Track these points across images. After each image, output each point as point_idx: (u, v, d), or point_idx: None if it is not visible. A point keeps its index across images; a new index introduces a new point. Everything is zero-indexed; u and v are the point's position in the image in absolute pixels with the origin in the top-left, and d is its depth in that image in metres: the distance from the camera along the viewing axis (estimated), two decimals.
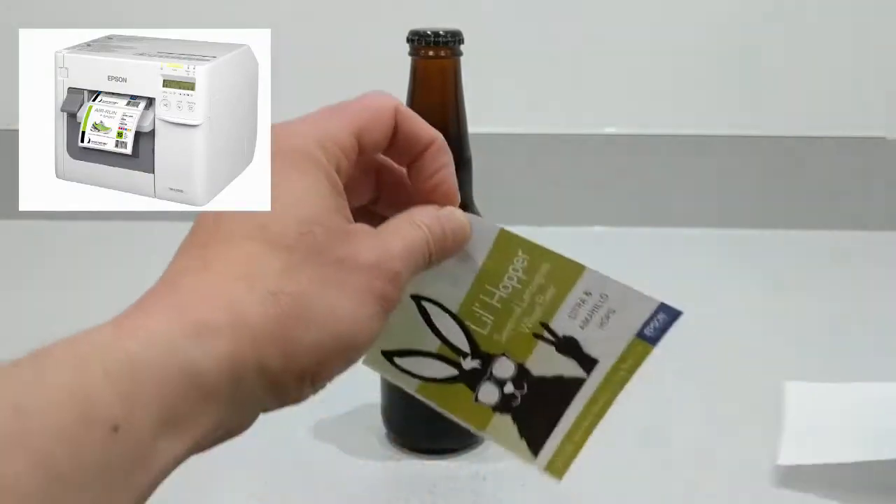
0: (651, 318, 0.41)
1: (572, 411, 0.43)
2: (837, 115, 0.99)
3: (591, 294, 0.41)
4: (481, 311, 0.42)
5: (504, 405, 0.43)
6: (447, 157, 0.37)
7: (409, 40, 0.53)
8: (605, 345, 0.42)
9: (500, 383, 0.43)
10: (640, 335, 0.42)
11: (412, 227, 0.34)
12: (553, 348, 0.42)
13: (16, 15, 0.99)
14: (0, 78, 0.89)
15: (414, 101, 0.55)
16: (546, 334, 0.42)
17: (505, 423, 0.43)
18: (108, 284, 0.82)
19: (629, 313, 0.42)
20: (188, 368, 0.25)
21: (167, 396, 0.25)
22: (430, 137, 0.36)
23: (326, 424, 0.58)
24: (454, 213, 0.36)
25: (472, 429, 0.43)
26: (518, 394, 0.43)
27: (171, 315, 0.26)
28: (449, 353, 0.43)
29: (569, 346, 0.42)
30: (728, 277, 0.88)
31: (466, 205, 0.57)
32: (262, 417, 0.64)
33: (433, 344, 0.42)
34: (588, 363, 0.42)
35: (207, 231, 0.30)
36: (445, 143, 0.36)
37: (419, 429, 0.56)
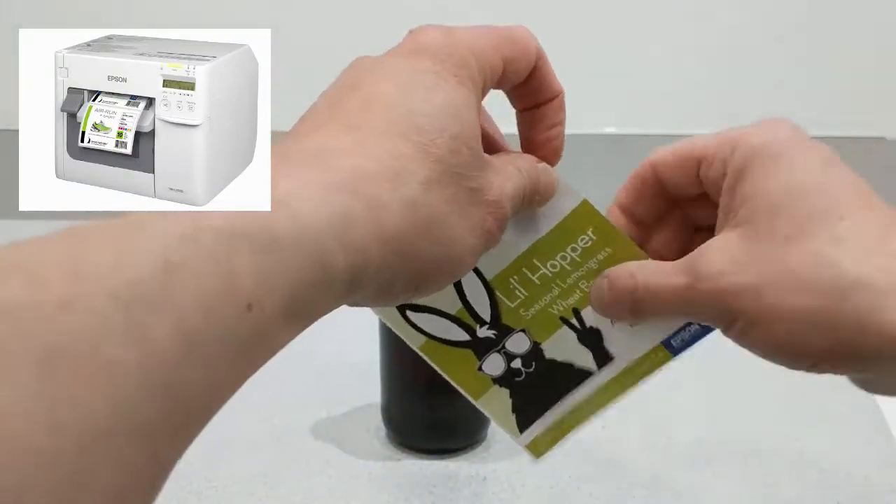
0: (683, 329, 0.41)
1: (570, 400, 0.42)
2: (837, 115, 0.99)
3: None
4: (517, 285, 0.41)
5: (506, 379, 0.42)
6: (564, 115, 0.37)
7: None
8: (627, 344, 0.41)
9: (510, 357, 0.42)
10: (665, 342, 0.41)
11: (518, 172, 0.34)
12: (575, 336, 0.41)
13: (16, 15, 0.99)
14: (0, 78, 0.89)
15: None
16: (573, 321, 0.41)
17: (502, 395, 0.42)
18: None
19: (666, 319, 0.40)
20: (320, 259, 0.25)
21: (296, 285, 0.25)
22: (558, 90, 0.37)
23: (326, 424, 0.59)
24: (550, 169, 0.37)
25: (466, 394, 0.42)
26: (524, 371, 0.42)
27: (316, 197, 0.26)
28: (466, 318, 0.41)
29: (591, 338, 0.41)
30: None
31: None
32: (262, 418, 0.64)
33: (454, 306, 0.41)
34: (603, 358, 0.41)
35: (358, 112, 0.30)
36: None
37: (419, 429, 0.56)
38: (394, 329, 0.41)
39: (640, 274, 0.36)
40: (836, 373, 0.33)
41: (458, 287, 0.40)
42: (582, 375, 0.42)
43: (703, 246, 0.34)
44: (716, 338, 0.62)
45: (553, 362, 0.42)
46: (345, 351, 0.66)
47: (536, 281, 0.40)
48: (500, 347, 0.42)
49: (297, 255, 0.25)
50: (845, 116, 0.99)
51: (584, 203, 0.40)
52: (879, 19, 0.96)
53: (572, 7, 0.96)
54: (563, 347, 0.41)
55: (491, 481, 0.51)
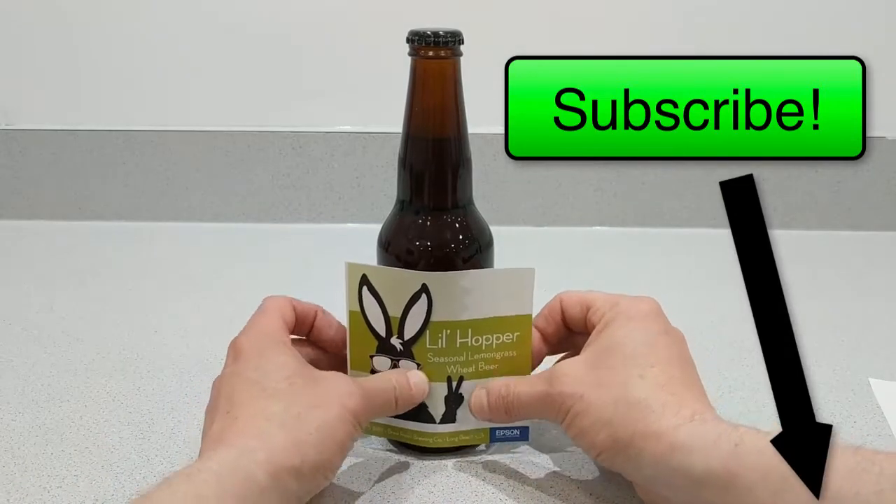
0: (509, 429, 0.53)
1: (407, 424, 0.53)
2: None
3: None
4: (444, 336, 0.50)
5: None
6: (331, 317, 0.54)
7: (408, 40, 0.53)
8: (470, 419, 0.52)
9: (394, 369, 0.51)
10: (493, 430, 0.53)
11: (378, 379, 0.50)
12: (446, 393, 0.52)
13: None
14: (0, 79, 0.89)
15: (413, 102, 0.55)
16: (453, 383, 0.51)
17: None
18: (102, 285, 0.82)
19: (529, 416, 0.51)
20: (250, 475, 0.41)
21: (238, 496, 0.40)
22: (314, 309, 0.53)
23: None
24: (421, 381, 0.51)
25: (348, 356, 0.51)
26: None
27: (234, 454, 0.41)
28: (394, 324, 0.50)
29: (453, 401, 0.53)
30: (728, 278, 0.88)
31: (467, 203, 0.57)
32: None
33: (397, 310, 0.49)
34: (448, 418, 0.52)
35: (230, 399, 0.45)
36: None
37: None
38: (347, 286, 0.50)
39: (511, 384, 0.50)
40: (616, 466, 0.45)
41: (410, 304, 0.49)
42: (426, 418, 0.53)
43: (557, 365, 0.49)
44: (716, 339, 0.62)
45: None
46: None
47: (458, 343, 0.50)
48: (395, 358, 0.51)
49: (232, 476, 0.40)
50: None
51: (528, 316, 0.50)
52: (881, 18, 0.97)
53: (572, 7, 0.96)
54: (432, 394, 0.52)
55: (491, 481, 0.52)
